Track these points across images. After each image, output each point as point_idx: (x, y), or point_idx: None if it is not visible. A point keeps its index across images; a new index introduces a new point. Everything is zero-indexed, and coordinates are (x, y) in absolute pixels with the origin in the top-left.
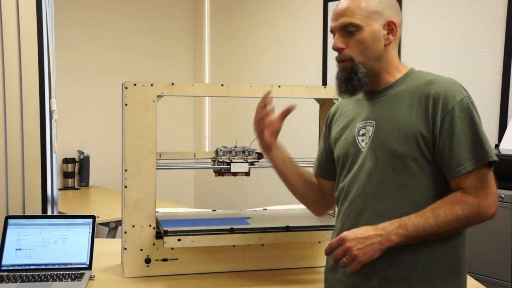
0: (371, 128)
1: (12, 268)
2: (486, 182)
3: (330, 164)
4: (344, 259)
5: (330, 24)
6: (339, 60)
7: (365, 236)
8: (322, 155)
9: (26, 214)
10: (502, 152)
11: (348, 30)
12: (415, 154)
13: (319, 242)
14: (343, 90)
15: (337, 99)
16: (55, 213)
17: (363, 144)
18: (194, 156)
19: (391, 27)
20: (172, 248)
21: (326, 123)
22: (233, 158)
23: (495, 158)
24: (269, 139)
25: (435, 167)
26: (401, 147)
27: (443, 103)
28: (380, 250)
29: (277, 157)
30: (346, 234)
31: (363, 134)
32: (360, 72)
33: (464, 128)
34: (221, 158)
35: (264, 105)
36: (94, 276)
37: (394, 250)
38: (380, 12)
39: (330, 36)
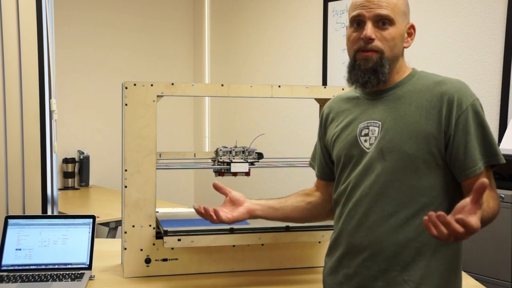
0: (376, 129)
1: (12, 268)
2: (493, 183)
3: (329, 165)
4: (447, 233)
5: (356, 10)
6: (368, 49)
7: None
8: (320, 157)
9: (26, 214)
10: (502, 152)
11: (381, 22)
12: (425, 155)
13: (319, 242)
14: (364, 81)
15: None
16: (55, 213)
17: (366, 144)
18: (194, 156)
19: (411, 31)
20: (172, 248)
21: (321, 124)
22: (233, 158)
23: (504, 161)
24: (240, 214)
25: (444, 168)
26: (412, 148)
27: (458, 103)
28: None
29: (263, 212)
30: (478, 227)
31: (366, 135)
32: (385, 67)
33: (476, 129)
34: (221, 158)
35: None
36: (94, 276)
37: (399, 252)
38: (407, 14)
39: (330, 36)
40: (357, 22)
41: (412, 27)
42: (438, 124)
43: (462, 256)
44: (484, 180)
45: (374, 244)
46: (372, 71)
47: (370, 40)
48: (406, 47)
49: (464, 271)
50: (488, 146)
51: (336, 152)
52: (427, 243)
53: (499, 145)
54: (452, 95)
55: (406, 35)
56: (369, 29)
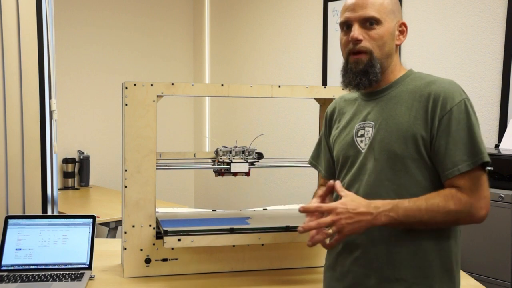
0: (370, 129)
1: (12, 268)
2: (480, 185)
3: (334, 165)
4: (330, 230)
5: (344, 14)
6: (356, 51)
7: (356, 212)
8: (327, 157)
9: (26, 214)
10: (502, 152)
11: (368, 23)
12: (414, 154)
13: None
14: (356, 83)
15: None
16: (55, 213)
17: (362, 145)
18: (194, 156)
19: (402, 28)
20: (172, 248)
21: (325, 123)
22: (233, 158)
23: (488, 159)
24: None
25: (433, 168)
26: (400, 147)
27: (442, 103)
28: (367, 228)
29: None
30: (337, 205)
31: (362, 135)
32: (376, 67)
33: (460, 129)
34: (221, 158)
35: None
36: (94, 276)
37: (391, 250)
38: (395, 12)
39: (330, 36)
40: (346, 26)
41: (403, 24)
42: (425, 124)
43: (457, 259)
44: (330, 182)
45: (366, 243)
46: (363, 73)
47: (357, 41)
48: (398, 44)
49: (464, 271)
50: (473, 146)
51: (336, 153)
52: (420, 243)
53: (499, 145)
54: (438, 95)
55: (397, 32)
56: (355, 31)
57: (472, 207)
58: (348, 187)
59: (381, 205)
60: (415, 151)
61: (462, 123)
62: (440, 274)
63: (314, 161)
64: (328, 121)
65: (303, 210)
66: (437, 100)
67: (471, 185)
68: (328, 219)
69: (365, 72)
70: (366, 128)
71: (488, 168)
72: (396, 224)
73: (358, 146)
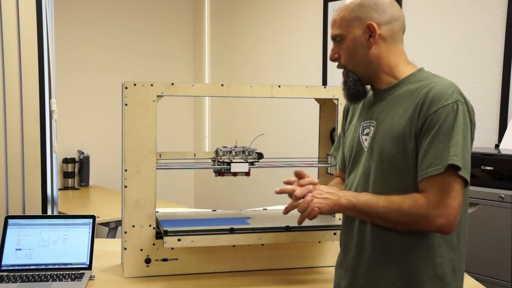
0: (372, 128)
1: (12, 268)
2: (446, 192)
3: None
4: (300, 201)
5: None
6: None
7: (326, 191)
8: (343, 150)
9: (26, 214)
10: (502, 152)
11: (336, 41)
12: (403, 155)
13: (319, 242)
14: (344, 95)
15: (337, 99)
16: (55, 213)
17: (365, 143)
18: (194, 156)
19: (370, 30)
20: (172, 248)
21: (344, 117)
22: (233, 158)
23: (455, 162)
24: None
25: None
26: (392, 149)
27: (429, 105)
28: (330, 207)
29: None
30: (312, 187)
31: (367, 134)
32: (349, 80)
33: (441, 132)
34: (221, 158)
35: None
36: (94, 276)
37: (380, 253)
38: (360, 17)
39: (330, 36)
40: None
41: (370, 25)
42: (412, 125)
43: (457, 263)
44: (296, 170)
45: (358, 245)
46: (344, 85)
47: (334, 60)
48: (371, 48)
49: (464, 271)
50: (447, 151)
51: (345, 150)
52: (409, 248)
53: (499, 145)
54: (427, 96)
55: (366, 36)
56: (331, 51)
57: (427, 212)
58: (350, 187)
59: (348, 192)
60: (404, 152)
61: (444, 126)
62: (430, 280)
63: (334, 152)
64: (346, 115)
65: (280, 191)
66: (425, 102)
67: (435, 191)
68: (303, 189)
69: (345, 84)
70: (370, 127)
71: (488, 168)
72: (355, 211)
73: (363, 145)
